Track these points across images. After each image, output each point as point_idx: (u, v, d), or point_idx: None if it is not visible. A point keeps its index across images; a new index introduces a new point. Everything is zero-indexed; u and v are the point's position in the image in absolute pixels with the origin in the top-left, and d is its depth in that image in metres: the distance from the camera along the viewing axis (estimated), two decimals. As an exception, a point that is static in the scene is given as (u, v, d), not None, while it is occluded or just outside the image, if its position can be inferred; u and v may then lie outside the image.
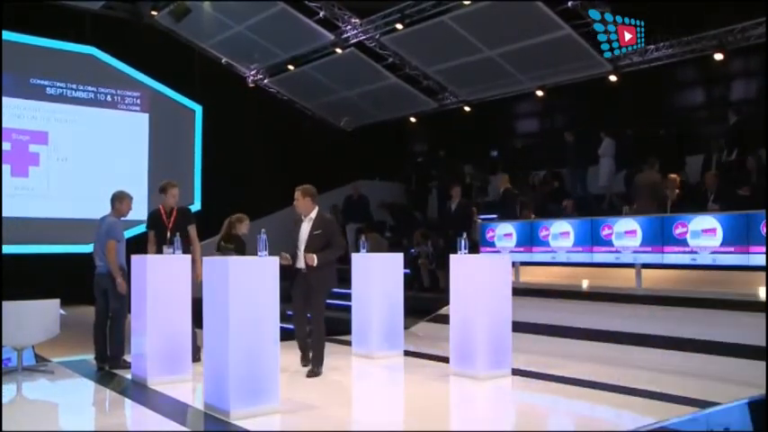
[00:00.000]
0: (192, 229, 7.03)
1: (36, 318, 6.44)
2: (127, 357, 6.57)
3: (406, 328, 7.82)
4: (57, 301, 6.69)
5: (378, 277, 7.42)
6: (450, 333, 6.46)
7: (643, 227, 7.95)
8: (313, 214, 6.33)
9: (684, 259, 7.57)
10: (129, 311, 6.49)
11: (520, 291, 8.40)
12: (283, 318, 5.24)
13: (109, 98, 13.71)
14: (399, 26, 11.85)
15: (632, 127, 12.04)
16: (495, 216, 11.42)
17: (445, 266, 10.27)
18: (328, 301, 11.36)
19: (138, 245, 7.46)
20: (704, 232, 7.38)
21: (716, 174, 9.30)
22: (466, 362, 6.26)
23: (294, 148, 15.49)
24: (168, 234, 6.73)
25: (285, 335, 5.45)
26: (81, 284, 8.95)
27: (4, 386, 5.75)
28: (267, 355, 4.91)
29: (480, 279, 6.27)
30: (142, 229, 12.17)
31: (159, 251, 6.53)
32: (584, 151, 12.22)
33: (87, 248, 12.21)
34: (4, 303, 6.14)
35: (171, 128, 14.44)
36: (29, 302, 6.55)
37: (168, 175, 14.11)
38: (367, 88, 14.31)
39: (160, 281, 5.98)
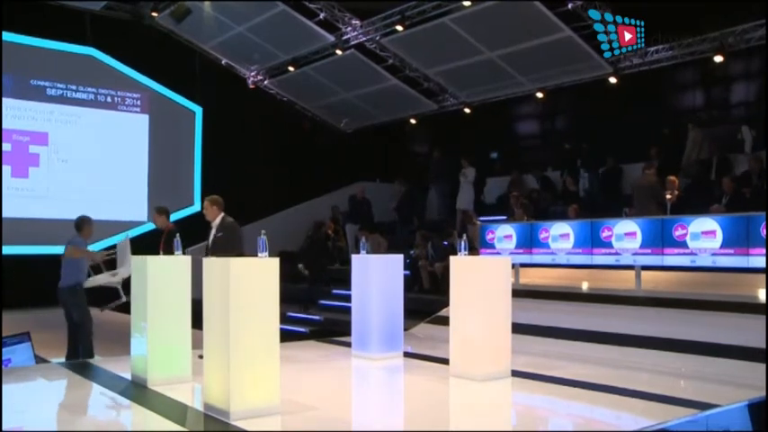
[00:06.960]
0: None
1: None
2: None
3: (405, 329, 7.82)
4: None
5: (378, 278, 7.41)
6: (450, 334, 6.45)
7: (643, 229, 7.95)
8: (217, 220, 7.05)
9: (684, 261, 7.57)
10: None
11: (520, 292, 8.40)
12: (283, 318, 5.24)
13: (109, 99, 13.72)
14: (400, 28, 11.85)
15: (632, 128, 12.03)
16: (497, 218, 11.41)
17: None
18: (329, 302, 11.52)
19: (140, 246, 7.48)
20: (704, 234, 7.38)
21: (732, 178, 9.38)
22: (465, 363, 6.25)
23: (294, 149, 15.51)
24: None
25: (285, 335, 5.45)
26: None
27: (4, 386, 5.74)
28: (267, 356, 4.91)
29: (480, 281, 6.26)
30: (143, 230, 12.30)
31: None
32: (450, 169, 13.54)
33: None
34: None
35: (171, 129, 14.46)
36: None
37: (168, 176, 14.26)
38: (367, 90, 14.31)
39: (160, 281, 5.98)
